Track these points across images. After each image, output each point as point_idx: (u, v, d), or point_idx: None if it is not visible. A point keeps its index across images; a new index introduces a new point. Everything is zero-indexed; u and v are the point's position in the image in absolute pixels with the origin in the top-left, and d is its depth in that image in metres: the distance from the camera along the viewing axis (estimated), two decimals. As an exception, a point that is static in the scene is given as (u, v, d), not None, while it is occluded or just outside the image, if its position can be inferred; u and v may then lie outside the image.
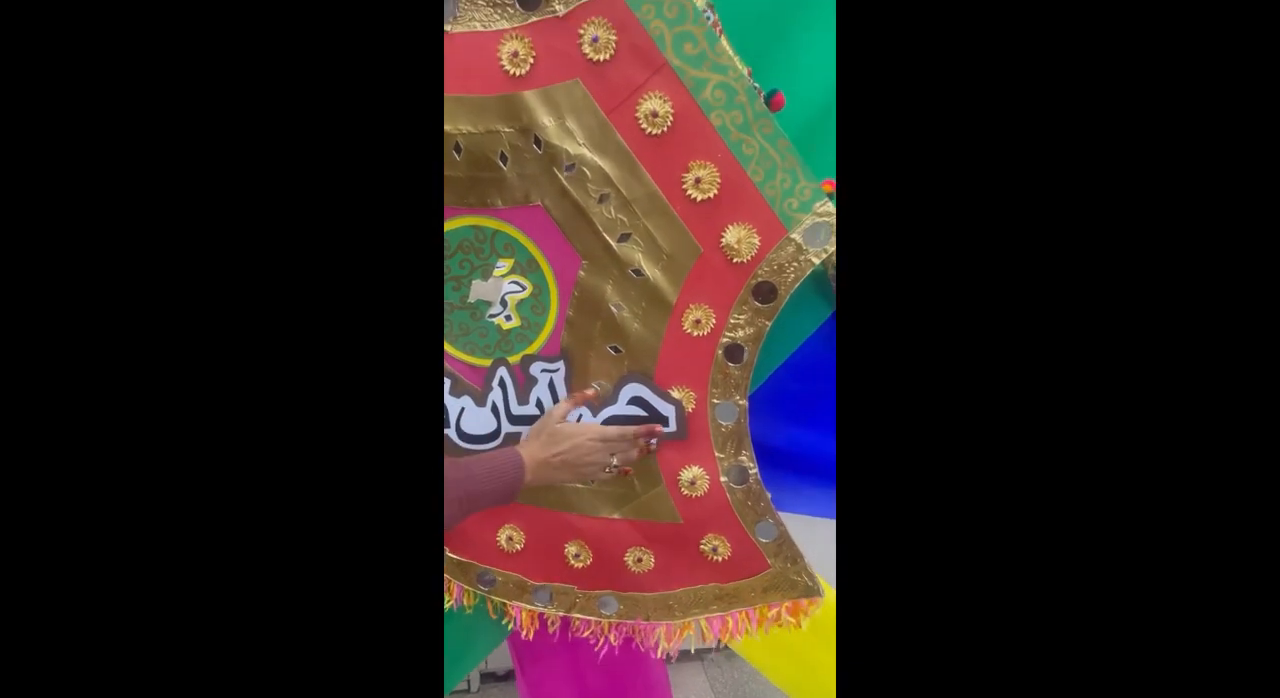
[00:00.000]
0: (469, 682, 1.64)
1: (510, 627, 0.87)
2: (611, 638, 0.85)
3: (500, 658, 1.61)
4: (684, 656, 1.74)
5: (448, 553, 0.87)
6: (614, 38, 0.62)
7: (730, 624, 0.79)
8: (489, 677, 1.67)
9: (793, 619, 0.77)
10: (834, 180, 0.64)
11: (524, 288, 0.75)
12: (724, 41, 0.61)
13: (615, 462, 0.73)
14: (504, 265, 0.74)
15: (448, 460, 0.69)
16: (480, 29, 0.64)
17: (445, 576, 0.88)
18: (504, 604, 0.87)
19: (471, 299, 0.76)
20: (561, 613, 0.85)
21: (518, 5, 0.63)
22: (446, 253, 0.75)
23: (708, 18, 0.61)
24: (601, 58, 0.63)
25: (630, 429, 0.73)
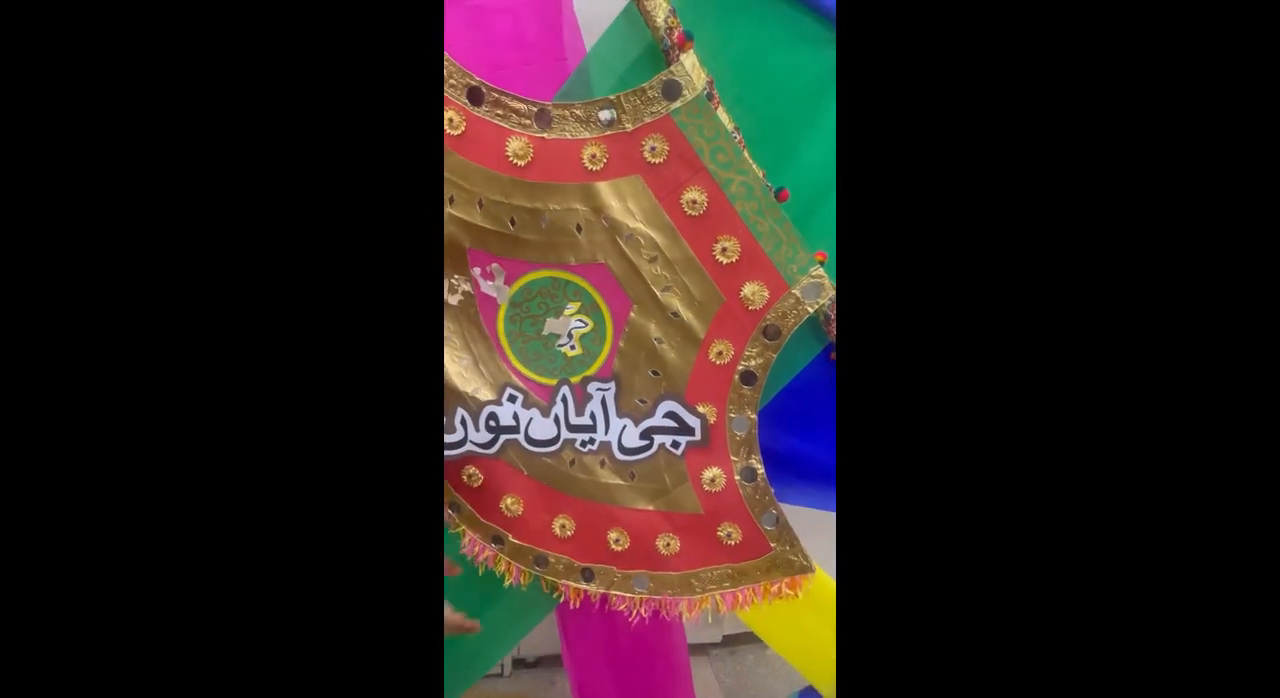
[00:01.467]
0: (502, 667, 1.76)
1: (559, 599, 1.06)
2: (643, 611, 1.04)
3: (531, 647, 1.75)
4: (690, 650, 1.76)
5: (510, 538, 1.07)
6: (667, 148, 0.86)
7: (740, 598, 0.99)
8: (520, 663, 1.79)
9: (791, 592, 0.96)
10: (824, 252, 0.87)
11: (587, 324, 0.97)
12: (746, 153, 0.85)
13: None
14: (573, 307, 0.97)
15: None
16: (569, 137, 0.89)
17: (506, 558, 1.08)
18: (555, 582, 1.06)
19: (545, 332, 0.98)
20: (602, 590, 1.05)
21: (599, 122, 0.88)
22: (528, 296, 0.98)
23: (734, 137, 0.85)
24: (657, 161, 0.87)
25: None
